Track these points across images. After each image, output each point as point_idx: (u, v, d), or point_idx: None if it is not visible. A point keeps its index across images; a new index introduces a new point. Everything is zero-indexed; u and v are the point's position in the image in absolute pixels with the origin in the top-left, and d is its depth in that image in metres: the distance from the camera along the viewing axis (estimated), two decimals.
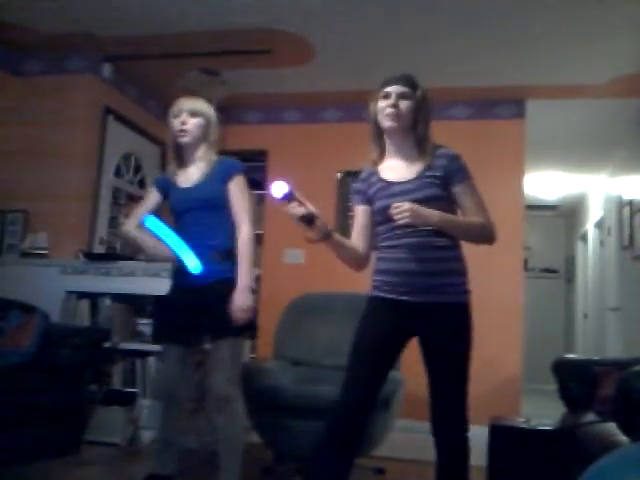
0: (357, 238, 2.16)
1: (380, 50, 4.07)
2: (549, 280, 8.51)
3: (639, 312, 4.76)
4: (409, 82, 2.11)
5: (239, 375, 2.53)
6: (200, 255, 2.48)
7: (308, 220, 1.89)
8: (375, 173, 2.15)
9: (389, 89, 2.08)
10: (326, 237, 1.95)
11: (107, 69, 4.31)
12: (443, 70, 4.26)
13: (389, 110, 2.06)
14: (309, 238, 1.93)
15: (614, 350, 5.33)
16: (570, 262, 8.35)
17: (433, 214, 1.95)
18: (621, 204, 5.35)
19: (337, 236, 2.04)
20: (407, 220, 1.89)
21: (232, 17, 3.72)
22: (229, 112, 4.78)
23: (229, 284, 2.45)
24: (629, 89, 4.30)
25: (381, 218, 2.08)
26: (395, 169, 2.11)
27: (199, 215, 2.53)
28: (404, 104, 2.06)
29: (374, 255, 2.15)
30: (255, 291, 2.57)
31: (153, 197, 2.69)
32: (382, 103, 2.08)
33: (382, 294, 2.06)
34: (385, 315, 2.05)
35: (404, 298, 2.00)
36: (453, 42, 3.89)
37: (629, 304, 5.10)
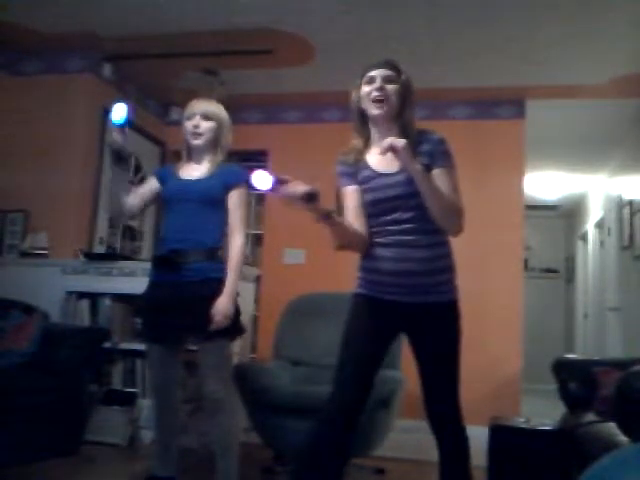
0: (355, 220, 2.03)
1: (380, 50, 4.05)
2: (549, 280, 8.51)
3: (639, 312, 4.76)
4: (393, 66, 2.04)
5: (230, 375, 2.54)
6: (187, 247, 2.47)
7: (310, 198, 1.79)
8: (362, 160, 2.06)
9: (373, 73, 2.00)
10: (328, 216, 1.86)
11: (107, 69, 4.31)
12: (443, 70, 4.26)
13: (375, 94, 1.96)
14: (317, 216, 1.85)
15: (614, 350, 5.33)
16: (570, 262, 8.35)
17: (416, 163, 1.88)
18: (621, 204, 5.35)
19: (339, 217, 1.97)
20: (399, 150, 1.82)
21: (232, 17, 3.72)
22: (229, 112, 4.77)
23: (215, 284, 2.45)
24: (629, 89, 4.30)
25: (372, 210, 2.02)
26: (382, 159, 1.99)
27: (193, 207, 2.52)
28: (390, 88, 1.98)
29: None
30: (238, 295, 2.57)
31: (150, 183, 2.69)
32: (367, 88, 1.99)
33: (368, 292, 2.03)
34: (371, 314, 2.01)
35: (391, 298, 1.98)
36: (454, 42, 3.89)
37: (629, 304, 5.10)
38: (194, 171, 2.60)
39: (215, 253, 2.52)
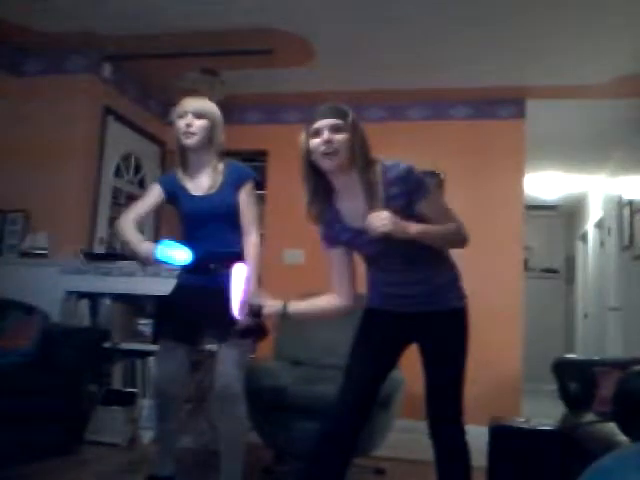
0: (339, 283, 2.07)
1: (380, 50, 4.07)
2: (549, 280, 8.51)
3: (639, 312, 4.76)
4: (338, 111, 1.90)
5: (244, 378, 2.53)
6: (213, 262, 2.48)
7: (255, 314, 1.95)
8: (336, 221, 2.00)
9: (318, 124, 1.87)
10: (285, 316, 2.00)
11: (107, 69, 4.31)
12: (443, 70, 4.26)
13: (323, 148, 1.85)
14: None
15: (614, 350, 5.33)
16: (570, 262, 8.35)
17: (410, 225, 1.82)
18: (621, 204, 5.35)
19: (297, 307, 2.05)
20: (388, 229, 1.76)
21: (232, 17, 3.72)
22: (229, 112, 4.76)
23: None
24: (629, 89, 4.30)
25: (367, 261, 2.09)
26: (353, 214, 1.94)
27: (215, 226, 2.53)
28: (339, 138, 1.85)
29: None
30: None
31: (155, 196, 2.64)
32: (315, 141, 1.87)
33: (379, 307, 2.08)
34: (383, 322, 2.07)
35: (401, 310, 2.03)
36: (454, 42, 3.89)
37: (629, 304, 5.10)
38: (202, 183, 2.56)
39: (240, 258, 2.50)
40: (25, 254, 4.01)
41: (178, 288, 2.63)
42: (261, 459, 3.25)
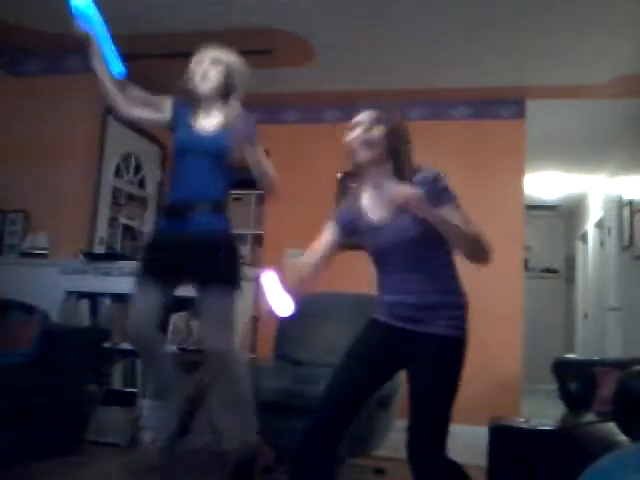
0: (319, 250, 2.03)
1: (380, 50, 4.07)
2: (549, 280, 8.51)
3: (639, 312, 4.76)
4: (381, 109, 1.95)
5: (233, 331, 2.50)
6: (193, 199, 2.45)
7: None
8: (357, 210, 1.99)
9: (360, 117, 1.93)
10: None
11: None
12: (443, 70, 4.26)
13: (360, 138, 1.89)
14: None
15: (614, 350, 5.32)
16: (570, 262, 8.35)
17: (432, 209, 1.76)
18: (621, 204, 5.36)
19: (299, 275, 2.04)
20: (411, 198, 1.73)
21: (232, 17, 3.72)
22: None
23: (220, 235, 2.46)
24: (629, 89, 4.30)
25: (374, 260, 1.99)
26: (374, 204, 1.94)
27: (200, 161, 2.47)
28: (376, 130, 1.89)
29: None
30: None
31: (160, 103, 2.69)
32: (354, 132, 1.91)
33: (377, 317, 2.00)
34: (379, 336, 1.96)
35: (393, 323, 1.93)
36: (454, 42, 3.89)
37: (629, 304, 5.11)
38: (207, 120, 2.52)
39: (220, 205, 2.50)
40: (25, 254, 4.01)
41: (156, 234, 2.64)
42: (261, 459, 3.24)
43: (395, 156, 1.90)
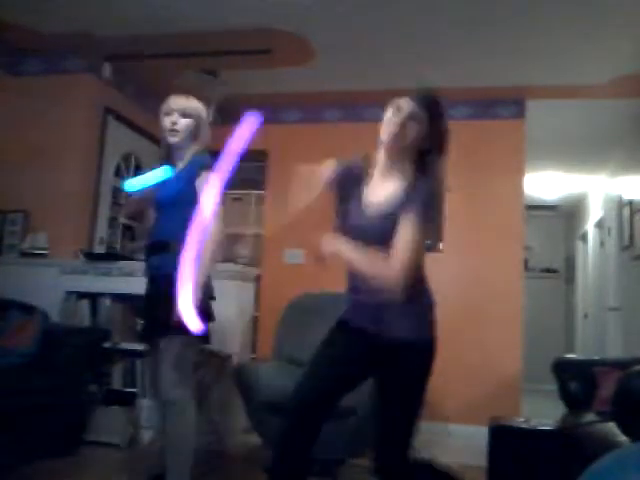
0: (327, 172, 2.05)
1: (380, 50, 4.07)
2: (549, 280, 8.51)
3: (639, 312, 4.76)
4: (425, 104, 2.02)
5: (189, 376, 2.46)
6: (163, 249, 2.46)
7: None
8: (359, 177, 1.99)
9: (403, 102, 1.97)
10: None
11: (107, 69, 4.31)
12: (443, 70, 4.26)
13: (394, 123, 1.92)
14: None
15: (614, 350, 5.33)
16: (570, 262, 8.35)
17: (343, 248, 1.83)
18: (621, 204, 5.36)
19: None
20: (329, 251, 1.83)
21: (232, 17, 3.72)
22: (229, 112, 4.78)
23: (161, 281, 2.41)
24: (629, 89, 4.30)
25: (344, 232, 1.93)
26: (372, 190, 1.96)
27: (159, 210, 2.56)
28: (412, 124, 1.94)
29: None
30: (209, 289, 2.50)
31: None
32: (390, 114, 1.94)
33: (345, 318, 1.99)
34: (347, 337, 1.95)
35: (358, 322, 1.92)
36: (453, 42, 3.89)
37: (629, 304, 5.10)
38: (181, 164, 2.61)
39: (166, 247, 2.45)
40: (25, 254, 4.01)
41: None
42: (261, 459, 3.24)
43: (422, 153, 1.93)
